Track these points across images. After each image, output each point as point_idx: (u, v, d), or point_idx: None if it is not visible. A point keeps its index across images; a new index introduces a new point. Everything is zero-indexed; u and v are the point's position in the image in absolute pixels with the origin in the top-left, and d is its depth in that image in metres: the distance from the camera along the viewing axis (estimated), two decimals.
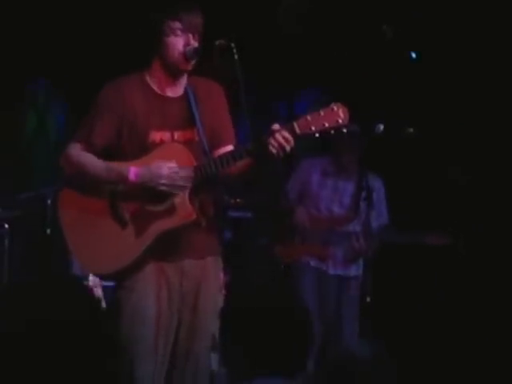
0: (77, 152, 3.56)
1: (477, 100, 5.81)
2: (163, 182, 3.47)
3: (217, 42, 3.56)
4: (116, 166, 3.53)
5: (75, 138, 3.61)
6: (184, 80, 3.65)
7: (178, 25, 3.53)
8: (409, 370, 5.49)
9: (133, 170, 3.48)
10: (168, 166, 3.47)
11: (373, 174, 5.19)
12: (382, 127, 4.78)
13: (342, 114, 3.41)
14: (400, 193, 5.47)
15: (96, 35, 5.94)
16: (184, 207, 3.53)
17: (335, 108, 3.42)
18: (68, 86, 6.17)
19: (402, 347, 5.58)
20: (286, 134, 3.38)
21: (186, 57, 3.54)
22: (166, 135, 3.58)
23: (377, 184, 5.24)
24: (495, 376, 5.34)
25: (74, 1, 5.89)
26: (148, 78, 3.63)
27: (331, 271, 5.20)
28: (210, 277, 3.63)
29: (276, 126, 3.41)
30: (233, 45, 3.52)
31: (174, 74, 3.60)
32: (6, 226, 5.25)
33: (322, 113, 3.41)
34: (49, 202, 5.26)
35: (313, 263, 5.20)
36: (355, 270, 5.23)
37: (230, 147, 3.66)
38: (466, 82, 5.83)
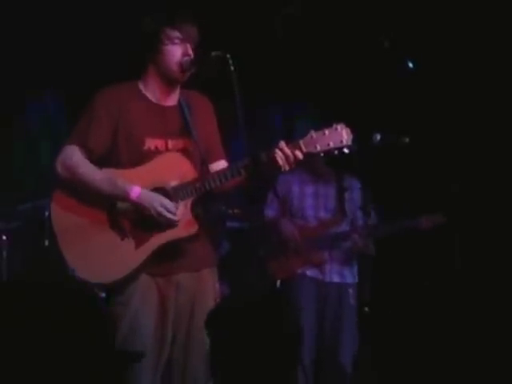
0: (76, 157, 3.53)
1: (474, 109, 5.82)
2: (160, 216, 3.47)
3: (213, 54, 3.57)
4: (119, 180, 3.51)
5: (71, 142, 3.57)
6: (178, 90, 3.66)
7: (176, 34, 3.56)
8: (407, 379, 5.50)
9: (135, 190, 3.48)
10: (167, 206, 3.47)
11: (349, 175, 5.23)
12: (378, 137, 4.79)
13: (345, 135, 3.44)
14: (395, 202, 5.48)
15: (92, 49, 5.94)
16: (186, 219, 3.54)
17: (339, 128, 3.45)
18: (70, 94, 6.15)
19: (401, 356, 5.58)
20: (296, 151, 3.41)
21: (182, 67, 3.56)
22: (161, 143, 3.59)
23: (355, 184, 5.27)
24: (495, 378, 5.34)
25: (65, 22, 5.89)
26: (142, 87, 3.64)
27: (327, 279, 5.20)
28: (205, 289, 3.62)
29: (282, 144, 3.43)
30: (228, 56, 3.53)
31: (168, 83, 3.62)
32: (4, 237, 5.24)
33: (326, 132, 3.44)
34: (47, 213, 5.24)
35: (309, 273, 5.20)
36: (351, 278, 5.24)
37: (222, 162, 3.71)
38: (463, 91, 5.83)
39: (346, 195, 5.16)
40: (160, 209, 3.46)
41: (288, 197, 5.30)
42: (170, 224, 3.49)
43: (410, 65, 5.29)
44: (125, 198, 3.48)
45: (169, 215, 3.46)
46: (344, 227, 5.21)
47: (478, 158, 5.81)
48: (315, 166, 5.25)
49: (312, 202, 5.27)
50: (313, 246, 5.20)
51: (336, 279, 5.22)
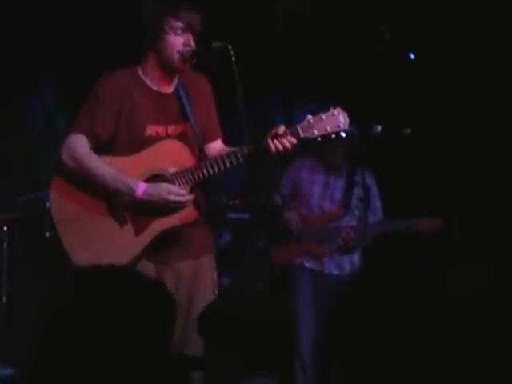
0: (84, 149, 3.55)
1: (474, 100, 5.81)
2: (170, 204, 3.50)
3: (214, 44, 3.57)
4: (124, 178, 3.53)
5: (77, 130, 3.58)
6: (177, 78, 3.67)
7: (179, 24, 3.55)
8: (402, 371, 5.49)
9: (142, 187, 3.50)
10: (176, 191, 3.50)
11: (364, 170, 5.21)
12: (379, 128, 4.78)
13: (342, 119, 3.45)
14: (397, 193, 5.47)
15: (96, 36, 5.94)
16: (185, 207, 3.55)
17: (336, 112, 3.46)
18: (70, 86, 6.15)
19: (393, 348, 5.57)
20: (291, 138, 3.42)
21: (183, 57, 3.56)
22: (161, 129, 3.61)
23: (369, 180, 5.26)
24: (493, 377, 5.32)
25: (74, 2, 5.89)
26: (141, 74, 3.65)
27: (326, 271, 5.21)
28: (204, 276, 3.66)
29: (281, 129, 3.43)
30: (230, 47, 3.53)
31: (168, 71, 3.63)
32: (5, 228, 5.24)
33: (323, 117, 3.45)
34: (48, 204, 5.23)
35: (308, 264, 5.20)
36: (351, 266, 5.22)
37: (218, 141, 3.74)
38: (464, 82, 5.82)
39: (355, 190, 5.11)
40: (170, 196, 3.47)
41: (297, 181, 5.30)
42: (184, 206, 3.52)
43: (412, 56, 5.29)
44: (131, 195, 3.50)
45: (181, 198, 3.50)
46: (348, 221, 5.18)
47: (480, 150, 5.79)
48: (331, 158, 5.22)
49: (319, 191, 5.26)
50: (313, 238, 5.20)
51: (335, 272, 5.22)
